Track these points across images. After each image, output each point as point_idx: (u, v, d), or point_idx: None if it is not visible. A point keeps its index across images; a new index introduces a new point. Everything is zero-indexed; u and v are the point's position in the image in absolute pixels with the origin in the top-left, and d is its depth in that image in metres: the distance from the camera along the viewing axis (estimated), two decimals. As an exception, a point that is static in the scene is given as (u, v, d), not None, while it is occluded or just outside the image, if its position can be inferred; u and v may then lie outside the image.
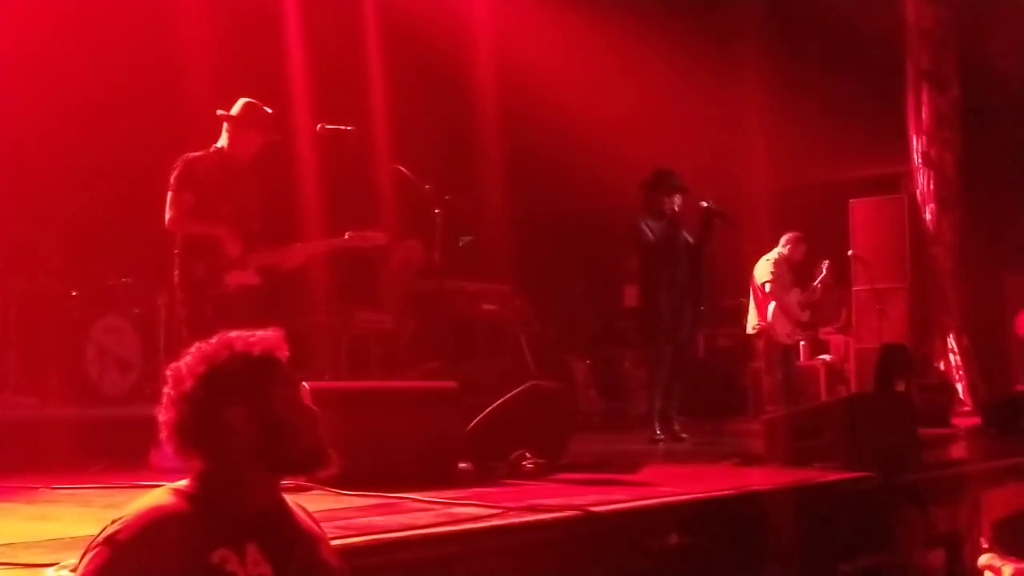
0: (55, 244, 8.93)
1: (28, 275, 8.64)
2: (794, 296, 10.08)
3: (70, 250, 8.97)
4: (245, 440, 2.27)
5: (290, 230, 6.82)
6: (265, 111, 6.29)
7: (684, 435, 8.04)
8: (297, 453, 2.33)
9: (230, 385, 2.28)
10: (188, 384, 2.28)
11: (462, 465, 5.45)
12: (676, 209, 8.20)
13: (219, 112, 6.25)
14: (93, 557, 2.13)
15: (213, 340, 2.35)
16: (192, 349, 2.34)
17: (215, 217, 6.09)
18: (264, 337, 2.35)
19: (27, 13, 8.34)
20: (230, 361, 2.29)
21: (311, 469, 2.39)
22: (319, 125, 6.79)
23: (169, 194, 6.05)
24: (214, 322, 5.83)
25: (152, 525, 2.15)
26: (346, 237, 6.44)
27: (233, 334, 2.35)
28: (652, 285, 8.15)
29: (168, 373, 2.34)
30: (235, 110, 6.24)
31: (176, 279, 6.17)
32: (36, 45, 8.37)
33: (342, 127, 6.71)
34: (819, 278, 10.24)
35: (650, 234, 8.11)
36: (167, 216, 6.06)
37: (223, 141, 6.23)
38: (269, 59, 9.91)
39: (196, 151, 6.19)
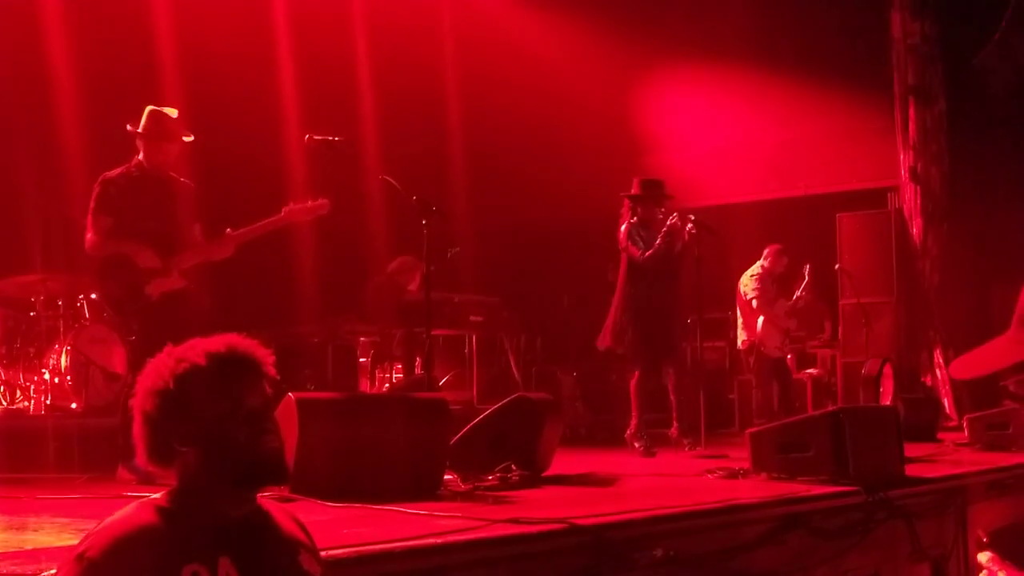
0: (41, 253, 8.90)
1: (13, 284, 8.61)
2: (780, 307, 10.16)
3: (56, 259, 8.94)
4: (192, 457, 2.28)
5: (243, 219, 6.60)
6: (170, 117, 6.19)
7: (687, 445, 8.03)
8: (240, 466, 2.29)
9: (170, 404, 2.28)
10: (140, 403, 2.31)
11: (448, 476, 5.43)
12: (660, 218, 8.22)
13: (128, 127, 6.15)
14: (64, 574, 2.13)
15: (155, 359, 2.34)
16: (145, 368, 2.35)
17: (136, 235, 5.98)
18: (195, 351, 2.31)
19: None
20: (167, 381, 2.28)
21: (260, 481, 2.35)
22: (308, 135, 6.74)
23: (88, 216, 5.97)
24: (146, 333, 5.85)
25: (122, 540, 2.14)
26: (283, 213, 6.27)
27: (174, 349, 2.33)
28: (640, 296, 8.14)
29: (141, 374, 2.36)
30: (141, 123, 6.14)
31: (99, 300, 6.10)
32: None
33: (331, 137, 6.67)
34: (803, 284, 10.30)
35: (642, 244, 8.13)
36: (86, 239, 5.99)
37: (141, 154, 6.13)
38: (261, 68, 9.93)
39: (115, 168, 6.07)
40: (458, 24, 11.82)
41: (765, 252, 10.20)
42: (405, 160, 9.24)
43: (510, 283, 12.07)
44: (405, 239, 9.34)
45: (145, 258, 5.97)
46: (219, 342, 2.33)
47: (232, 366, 2.31)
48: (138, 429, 2.31)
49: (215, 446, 2.28)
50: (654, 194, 8.29)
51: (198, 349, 2.31)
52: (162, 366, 2.30)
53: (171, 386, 2.27)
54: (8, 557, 3.20)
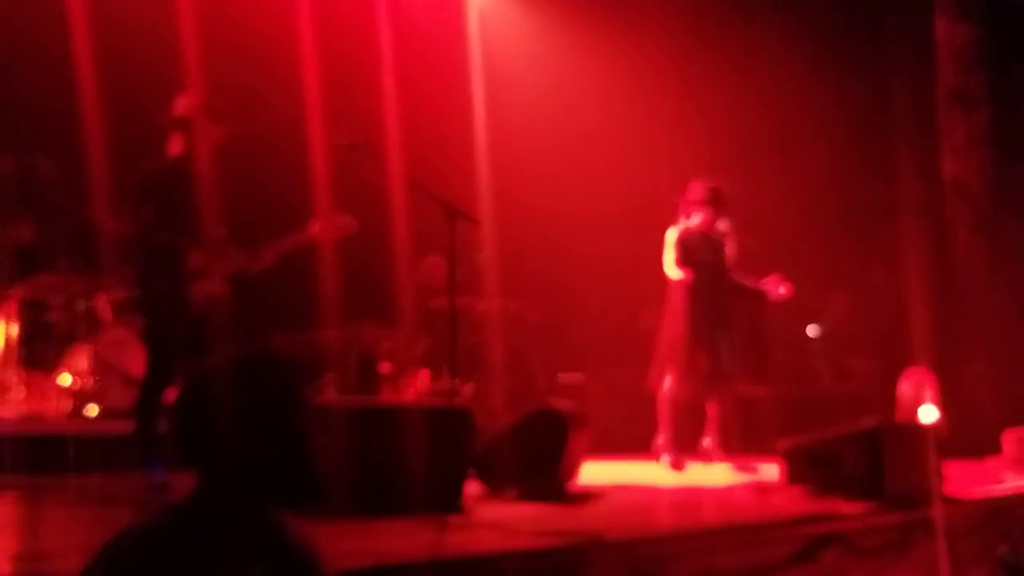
0: (62, 253, 8.88)
1: (32, 285, 8.59)
2: None
3: (76, 259, 8.92)
4: (262, 457, 2.20)
5: (267, 227, 6.51)
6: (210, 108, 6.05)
7: (718, 461, 7.85)
8: (303, 480, 2.24)
9: (263, 396, 2.20)
10: (221, 387, 2.19)
11: (471, 488, 5.32)
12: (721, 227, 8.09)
13: (170, 116, 5.97)
14: None
15: (202, 364, 2.26)
16: (222, 351, 2.27)
17: (177, 230, 5.86)
18: (294, 355, 2.25)
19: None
20: (270, 374, 2.22)
21: (310, 499, 2.27)
22: (332, 138, 6.69)
23: (128, 208, 5.85)
24: (184, 339, 5.74)
25: (153, 544, 2.07)
26: (312, 229, 6.21)
27: (225, 355, 2.26)
28: (692, 304, 7.95)
29: (193, 372, 2.25)
30: (182, 109, 5.97)
31: (139, 298, 6.02)
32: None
33: (357, 139, 6.61)
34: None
35: (701, 252, 8.00)
36: (128, 232, 5.86)
37: (179, 146, 5.96)
38: (287, 69, 9.90)
39: (153, 160, 5.94)
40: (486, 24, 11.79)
41: None
42: (433, 163, 9.16)
43: (536, 289, 11.98)
44: (431, 243, 9.28)
45: (193, 259, 5.85)
46: (276, 353, 2.27)
47: (288, 380, 2.24)
48: (212, 419, 2.18)
49: (292, 454, 2.22)
50: (722, 200, 8.11)
51: (295, 355, 2.23)
52: (265, 362, 2.23)
53: (276, 385, 2.21)
54: (29, 558, 3.17)
